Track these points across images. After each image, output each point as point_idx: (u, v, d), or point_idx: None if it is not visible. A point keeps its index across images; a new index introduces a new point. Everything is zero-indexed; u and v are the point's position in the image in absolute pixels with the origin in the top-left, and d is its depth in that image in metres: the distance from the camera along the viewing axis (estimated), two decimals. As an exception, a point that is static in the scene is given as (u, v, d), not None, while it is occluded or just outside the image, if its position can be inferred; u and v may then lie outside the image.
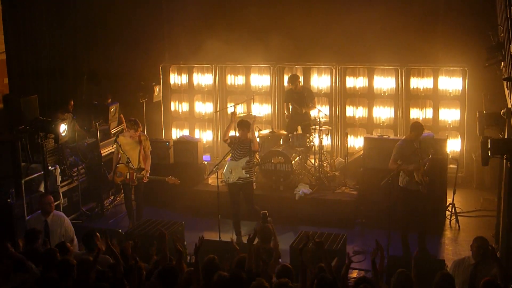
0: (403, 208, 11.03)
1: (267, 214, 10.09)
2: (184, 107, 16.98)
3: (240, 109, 15.67)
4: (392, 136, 13.97)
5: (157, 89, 15.83)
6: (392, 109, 15.31)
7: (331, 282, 7.02)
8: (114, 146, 12.63)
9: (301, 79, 14.84)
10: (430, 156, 10.94)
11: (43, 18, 14.95)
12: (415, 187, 10.85)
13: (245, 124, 11.91)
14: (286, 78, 15.81)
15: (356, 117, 15.64)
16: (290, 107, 14.47)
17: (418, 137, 11.05)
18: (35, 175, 11.96)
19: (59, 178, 12.44)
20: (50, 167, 12.14)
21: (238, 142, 11.98)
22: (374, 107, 15.45)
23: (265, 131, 14.62)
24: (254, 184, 12.53)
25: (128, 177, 12.41)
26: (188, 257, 10.09)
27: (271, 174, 13.33)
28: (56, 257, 7.96)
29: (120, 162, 12.49)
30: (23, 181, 11.50)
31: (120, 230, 11.53)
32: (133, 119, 12.80)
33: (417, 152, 10.88)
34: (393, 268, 7.93)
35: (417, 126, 11.17)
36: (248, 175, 11.95)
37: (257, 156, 12.77)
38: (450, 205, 12.77)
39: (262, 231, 9.26)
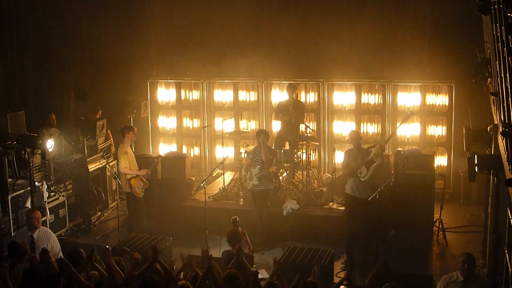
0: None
1: (237, 219, 10.31)
2: (171, 122, 16.96)
3: (228, 125, 15.67)
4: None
5: (144, 105, 15.83)
6: (380, 125, 15.36)
7: None
8: (118, 159, 12.75)
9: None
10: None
11: (29, 33, 14.91)
12: (351, 192, 11.45)
13: (260, 133, 12.40)
14: (273, 92, 15.89)
15: (344, 132, 15.67)
16: (279, 123, 14.52)
17: (355, 144, 11.66)
18: (22, 191, 11.88)
19: (45, 194, 12.36)
20: (36, 183, 12.06)
21: (257, 150, 12.39)
22: (362, 123, 15.50)
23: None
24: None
25: (143, 184, 12.80)
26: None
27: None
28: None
29: (132, 176, 12.68)
30: (9, 197, 11.43)
31: (107, 246, 11.46)
32: (124, 125, 13.21)
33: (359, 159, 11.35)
34: (379, 282, 7.94)
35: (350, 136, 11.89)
36: (258, 183, 12.24)
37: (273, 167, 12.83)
38: (437, 221, 12.77)
39: (229, 234, 9.48)
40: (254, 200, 12.55)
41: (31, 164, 11.59)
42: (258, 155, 12.36)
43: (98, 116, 15.06)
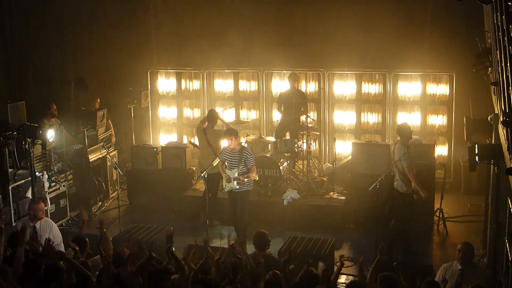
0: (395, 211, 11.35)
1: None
2: (172, 112, 16.94)
3: (229, 115, 15.64)
4: (379, 142, 14.00)
5: (145, 95, 15.82)
6: (380, 115, 15.35)
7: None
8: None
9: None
10: None
11: (30, 24, 14.88)
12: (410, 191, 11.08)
13: (231, 132, 11.75)
14: (274, 82, 15.87)
15: (344, 122, 15.65)
16: (280, 115, 14.51)
17: (407, 140, 11.22)
18: (23, 181, 11.90)
19: (46, 184, 12.37)
20: (37, 173, 12.08)
21: (229, 152, 11.69)
22: (362, 113, 15.48)
23: (253, 137, 14.62)
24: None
25: None
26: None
27: (259, 180, 13.28)
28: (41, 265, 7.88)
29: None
30: (10, 187, 11.45)
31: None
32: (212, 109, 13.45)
33: (406, 156, 10.97)
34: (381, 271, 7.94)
35: (404, 128, 11.36)
36: (238, 187, 11.57)
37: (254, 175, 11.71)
38: (438, 210, 12.79)
39: (257, 237, 8.96)
40: (237, 201, 11.77)
41: (31, 154, 11.61)
42: (230, 157, 11.63)
43: (97, 104, 15.04)
